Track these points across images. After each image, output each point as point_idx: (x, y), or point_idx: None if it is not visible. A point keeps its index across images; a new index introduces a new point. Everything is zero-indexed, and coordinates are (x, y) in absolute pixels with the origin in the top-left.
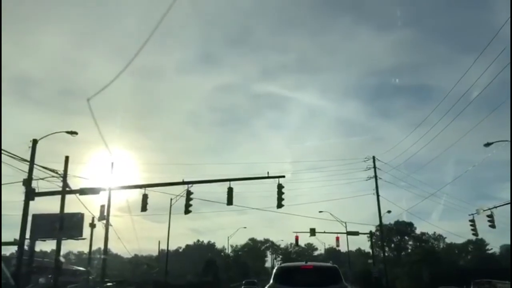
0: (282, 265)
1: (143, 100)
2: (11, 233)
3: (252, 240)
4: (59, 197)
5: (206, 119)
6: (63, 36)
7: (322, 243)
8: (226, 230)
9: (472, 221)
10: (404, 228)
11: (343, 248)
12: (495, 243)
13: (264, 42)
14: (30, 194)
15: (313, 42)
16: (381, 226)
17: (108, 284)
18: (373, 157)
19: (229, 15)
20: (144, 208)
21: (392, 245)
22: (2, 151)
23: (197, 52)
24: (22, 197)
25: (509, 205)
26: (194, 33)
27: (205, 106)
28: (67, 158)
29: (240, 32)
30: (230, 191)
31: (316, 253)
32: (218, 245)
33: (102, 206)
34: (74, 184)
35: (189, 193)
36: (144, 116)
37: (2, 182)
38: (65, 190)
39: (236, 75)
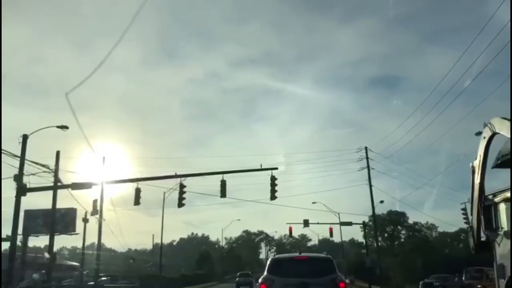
0: (276, 256)
1: (116, 95)
2: (3, 229)
3: (246, 232)
4: (51, 192)
5: (189, 112)
6: (21, 30)
7: (315, 234)
8: (220, 223)
9: (464, 209)
10: (397, 218)
11: (336, 238)
12: None
13: (227, 35)
14: (22, 189)
15: (280, 34)
16: (374, 216)
17: (102, 278)
18: (366, 148)
19: (186, 8)
20: (137, 202)
21: (385, 234)
22: None
23: (159, 46)
24: (14, 193)
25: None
26: (154, 26)
27: (185, 100)
28: (58, 153)
29: (200, 25)
30: (223, 183)
31: (309, 244)
32: (212, 238)
33: (95, 201)
34: (66, 179)
35: (182, 186)
36: (123, 111)
37: None
38: (57, 185)
39: (214, 68)
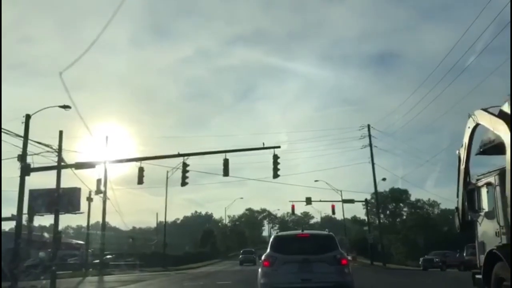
0: (279, 234)
1: (110, 75)
2: (8, 209)
3: (249, 210)
4: (55, 172)
5: (187, 92)
6: (6, 10)
7: (318, 211)
8: (223, 201)
9: None
10: (399, 195)
11: (338, 216)
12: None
13: (215, 12)
14: (26, 169)
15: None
16: (376, 193)
17: (108, 256)
18: (368, 126)
19: None
20: (140, 181)
21: (387, 212)
22: None
23: (149, 24)
24: (18, 173)
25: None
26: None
27: (182, 80)
28: (61, 132)
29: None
30: (226, 162)
31: (312, 221)
32: (216, 216)
33: (99, 180)
34: (70, 158)
35: (185, 165)
36: (119, 91)
37: None
38: (61, 165)
39: (208, 46)
